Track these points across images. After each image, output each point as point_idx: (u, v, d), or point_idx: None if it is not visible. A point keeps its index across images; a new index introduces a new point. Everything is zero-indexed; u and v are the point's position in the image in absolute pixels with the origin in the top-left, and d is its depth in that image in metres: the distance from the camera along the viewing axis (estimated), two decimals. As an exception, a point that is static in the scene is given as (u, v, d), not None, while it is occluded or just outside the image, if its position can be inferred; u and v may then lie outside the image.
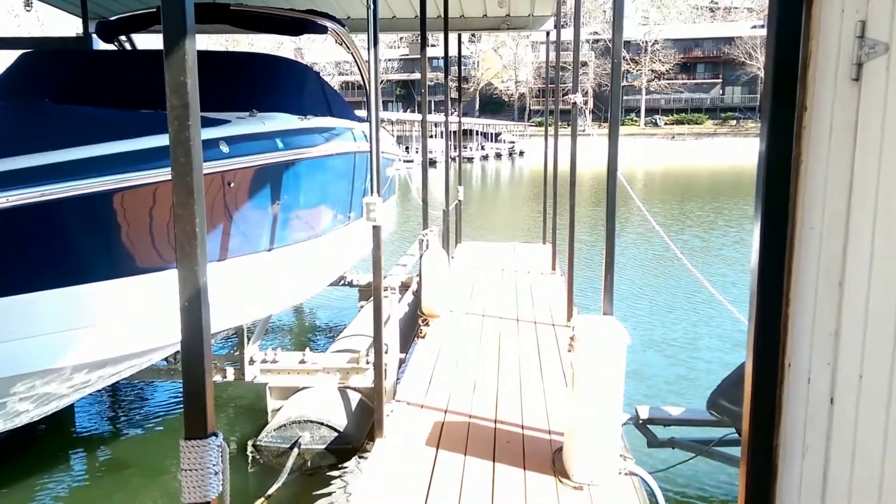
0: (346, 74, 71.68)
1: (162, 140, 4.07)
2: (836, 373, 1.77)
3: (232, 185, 4.66)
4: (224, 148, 4.52)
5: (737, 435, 4.41)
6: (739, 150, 63.51)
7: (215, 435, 2.19)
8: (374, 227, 4.48)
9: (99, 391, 6.87)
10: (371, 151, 4.50)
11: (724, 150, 65.22)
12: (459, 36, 12.03)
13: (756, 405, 2.01)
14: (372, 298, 7.92)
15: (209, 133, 4.42)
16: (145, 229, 4.08)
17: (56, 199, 3.55)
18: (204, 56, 6.11)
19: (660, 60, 75.81)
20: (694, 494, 5.28)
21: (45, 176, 3.54)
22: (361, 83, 5.56)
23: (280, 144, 5.24)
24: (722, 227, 20.17)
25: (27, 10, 7.65)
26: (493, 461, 4.39)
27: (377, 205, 4.39)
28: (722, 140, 70.41)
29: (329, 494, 4.69)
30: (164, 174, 3.96)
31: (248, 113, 5.18)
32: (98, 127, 4.17)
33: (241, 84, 5.69)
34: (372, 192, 4.46)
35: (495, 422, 4.99)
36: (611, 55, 4.64)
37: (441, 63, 10.00)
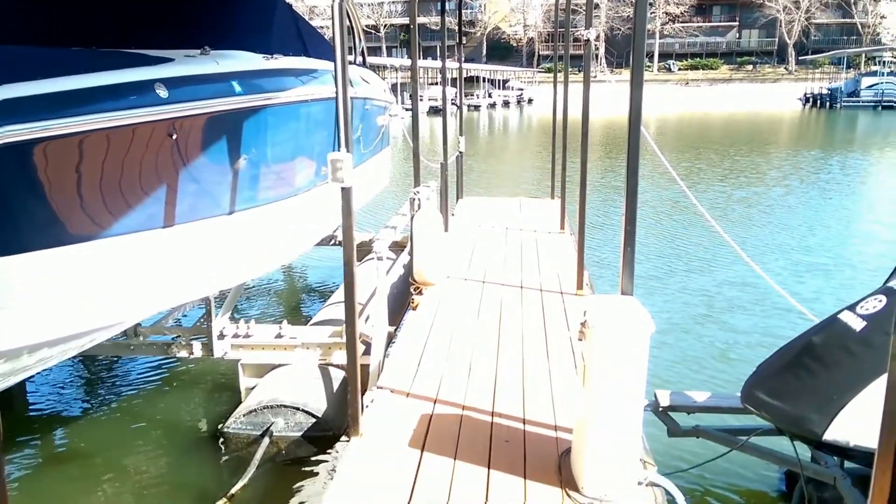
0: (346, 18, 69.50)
1: (91, 80, 3.36)
2: None
3: (175, 136, 3.89)
4: (161, 92, 3.74)
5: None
6: (755, 96, 61.93)
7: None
8: (343, 189, 3.68)
9: (55, 367, 6.23)
10: (337, 96, 3.66)
11: (739, 96, 63.42)
12: None
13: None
14: (365, 259, 7.26)
15: (144, 74, 3.70)
16: (73, 189, 3.36)
17: None
18: None
19: (674, 2, 73.06)
20: (722, 496, 4.61)
21: None
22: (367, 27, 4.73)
23: (238, 88, 4.47)
24: (739, 180, 19.16)
25: None
26: (489, 467, 3.69)
27: (345, 163, 3.59)
28: (737, 86, 68.46)
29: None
30: (93, 121, 3.28)
31: (198, 50, 4.40)
32: (15, 66, 3.40)
33: (193, 16, 4.88)
34: (339, 146, 3.66)
35: (492, 415, 4.28)
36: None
37: (447, 6, 8.98)
